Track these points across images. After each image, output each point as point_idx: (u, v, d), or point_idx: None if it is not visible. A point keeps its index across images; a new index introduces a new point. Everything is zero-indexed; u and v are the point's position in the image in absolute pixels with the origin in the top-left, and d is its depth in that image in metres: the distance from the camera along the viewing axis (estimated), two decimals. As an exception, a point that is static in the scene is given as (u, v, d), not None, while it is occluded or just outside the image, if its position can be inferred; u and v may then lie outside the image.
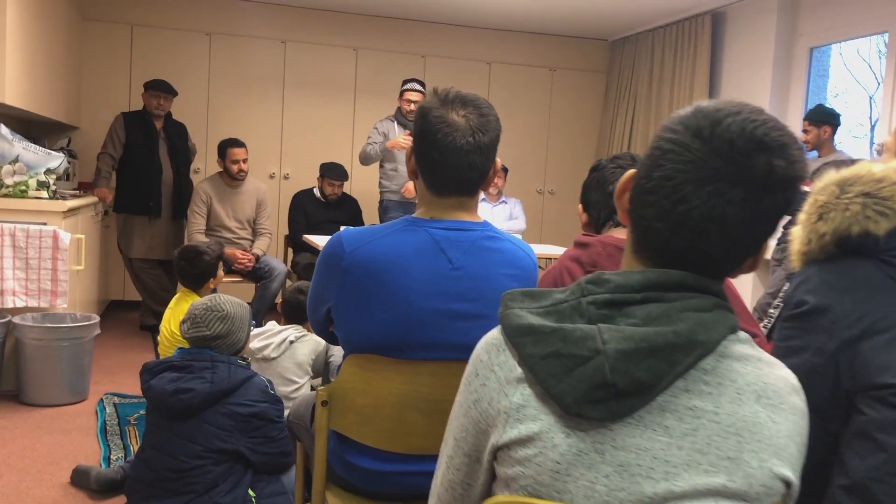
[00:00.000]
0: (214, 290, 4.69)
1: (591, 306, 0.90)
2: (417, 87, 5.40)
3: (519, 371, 0.91)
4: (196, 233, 5.06)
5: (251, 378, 2.47)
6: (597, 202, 1.92)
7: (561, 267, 1.87)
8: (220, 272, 3.56)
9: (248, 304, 5.09)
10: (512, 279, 1.63)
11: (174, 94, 5.29)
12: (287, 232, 5.64)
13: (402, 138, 5.20)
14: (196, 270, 3.48)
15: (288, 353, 3.13)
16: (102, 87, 5.87)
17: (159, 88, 5.21)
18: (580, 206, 1.99)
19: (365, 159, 5.36)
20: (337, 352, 3.19)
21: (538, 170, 6.81)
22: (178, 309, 3.43)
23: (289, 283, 5.33)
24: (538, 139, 6.78)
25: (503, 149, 6.56)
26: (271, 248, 5.74)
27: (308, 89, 6.26)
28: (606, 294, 0.90)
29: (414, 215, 1.64)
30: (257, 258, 5.06)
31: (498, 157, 1.67)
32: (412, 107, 5.37)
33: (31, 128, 5.52)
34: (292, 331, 3.18)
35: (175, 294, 4.22)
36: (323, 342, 3.23)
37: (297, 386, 3.11)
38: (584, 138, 6.90)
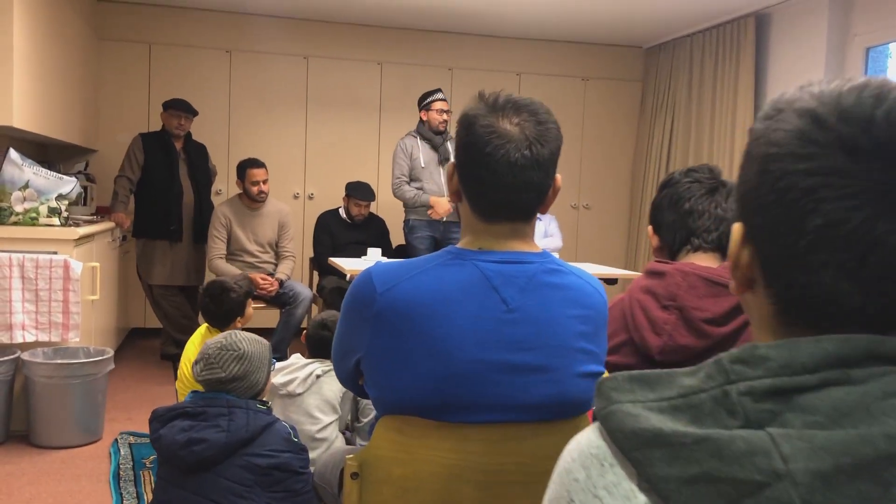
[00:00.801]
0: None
1: (745, 398, 0.59)
2: (443, 96, 5.15)
3: (643, 501, 0.60)
4: (216, 258, 4.83)
5: (272, 425, 2.20)
6: (671, 223, 1.63)
7: (631, 301, 1.58)
8: (250, 309, 3.31)
9: (273, 329, 4.85)
10: (580, 321, 1.34)
11: (194, 113, 5.09)
12: (312, 255, 5.40)
13: (449, 201, 5.02)
14: (223, 309, 3.23)
15: (314, 388, 2.87)
16: (120, 108, 5.70)
17: (179, 108, 5.02)
18: (650, 227, 1.70)
19: (402, 199, 5.13)
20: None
21: (572, 184, 6.52)
22: (197, 349, 3.18)
23: (314, 309, 5.08)
24: (572, 152, 6.49)
25: (535, 163, 6.28)
26: (295, 272, 5.50)
27: (332, 106, 6.04)
28: (767, 379, 0.60)
29: (458, 246, 1.36)
30: (281, 283, 4.82)
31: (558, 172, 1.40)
32: (444, 117, 5.12)
33: (48, 152, 5.35)
34: (319, 364, 2.92)
35: (197, 325, 3.99)
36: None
37: (323, 425, 2.83)
38: (620, 150, 6.60)
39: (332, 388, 2.89)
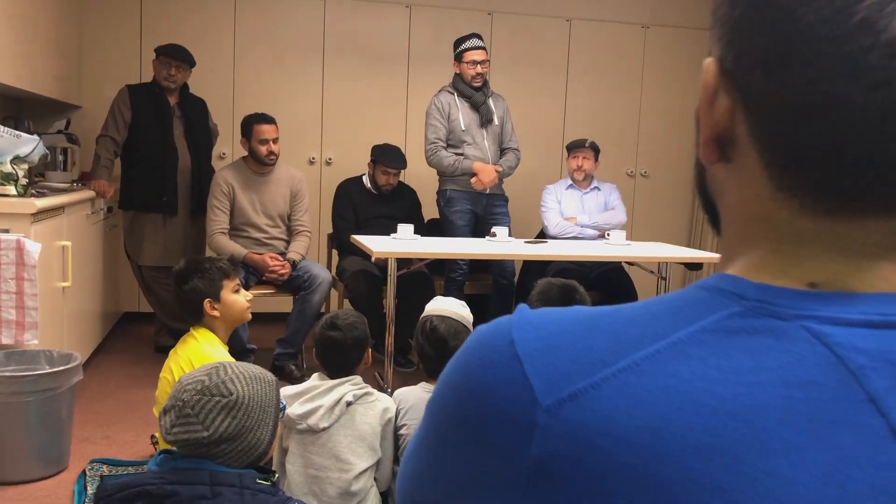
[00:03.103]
0: (242, 333, 3.64)
1: None
2: (479, 42, 4.31)
3: None
4: (217, 232, 4.05)
5: (281, 511, 1.43)
6: None
7: None
8: (231, 296, 2.49)
9: (287, 318, 4.07)
10: None
11: (191, 63, 4.28)
12: (330, 231, 4.61)
13: (496, 169, 4.28)
14: (183, 296, 2.46)
15: (345, 420, 2.10)
16: (108, 59, 4.89)
17: (172, 54, 4.21)
18: None
19: (438, 167, 4.34)
20: (411, 421, 2.14)
21: (628, 148, 5.67)
22: (182, 353, 2.41)
23: (334, 295, 4.29)
24: (628, 112, 5.63)
25: (585, 122, 5.45)
26: (311, 251, 4.72)
27: (353, 56, 5.20)
28: None
29: (737, 274, 0.54)
30: (293, 264, 4.04)
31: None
32: (478, 69, 4.28)
33: (22, 108, 4.56)
34: (350, 387, 2.14)
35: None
36: (393, 404, 2.19)
37: (358, 471, 2.06)
38: (684, 110, 5.73)
39: (369, 418, 2.12)
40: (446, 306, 2.34)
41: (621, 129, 5.63)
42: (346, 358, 2.17)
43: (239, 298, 2.51)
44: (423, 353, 2.25)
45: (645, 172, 5.70)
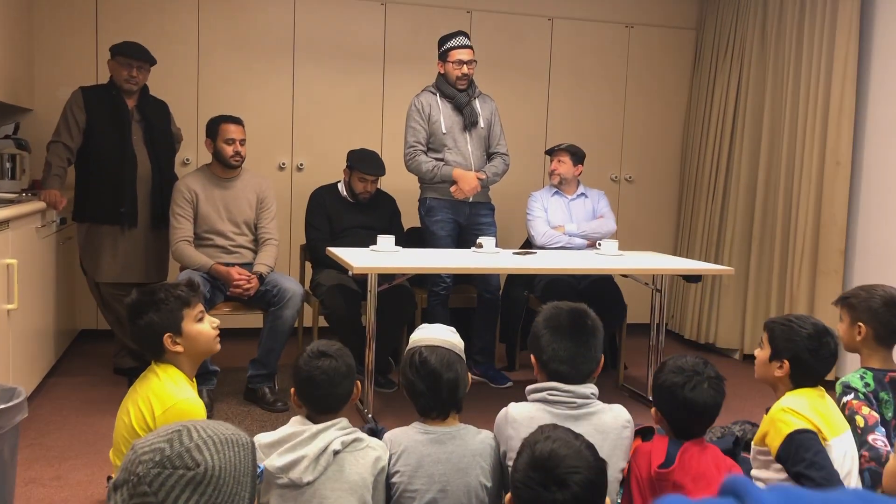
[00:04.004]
0: (211, 367, 3.25)
1: None
2: (466, 41, 4.07)
3: None
4: (181, 241, 3.74)
5: None
6: None
7: None
8: (194, 327, 2.19)
9: (258, 333, 3.78)
10: None
11: (151, 61, 3.97)
12: (304, 242, 4.32)
13: (479, 176, 4.03)
14: (139, 333, 2.15)
15: (332, 472, 1.84)
16: (62, 59, 4.55)
17: (131, 54, 3.90)
18: None
19: (417, 173, 4.10)
20: (404, 467, 1.89)
21: (613, 152, 5.46)
22: (142, 391, 2.12)
23: (307, 311, 4.01)
24: (612, 114, 5.43)
25: (567, 125, 5.23)
26: (283, 265, 4.43)
27: (325, 56, 4.92)
28: None
29: None
30: (261, 278, 3.75)
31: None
32: (464, 70, 4.04)
33: (-35, 111, 4.21)
34: (336, 433, 1.88)
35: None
36: (386, 451, 1.93)
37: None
38: (670, 112, 5.54)
39: (360, 468, 1.85)
40: (434, 334, 2.08)
41: (605, 132, 5.42)
42: (337, 391, 1.91)
43: (204, 328, 2.21)
44: (413, 389, 1.99)
45: (630, 177, 5.49)
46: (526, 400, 1.96)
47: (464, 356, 2.08)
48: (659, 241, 5.49)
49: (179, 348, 2.13)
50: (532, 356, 1.99)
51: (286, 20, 4.85)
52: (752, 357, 5.02)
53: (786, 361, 2.12)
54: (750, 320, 4.89)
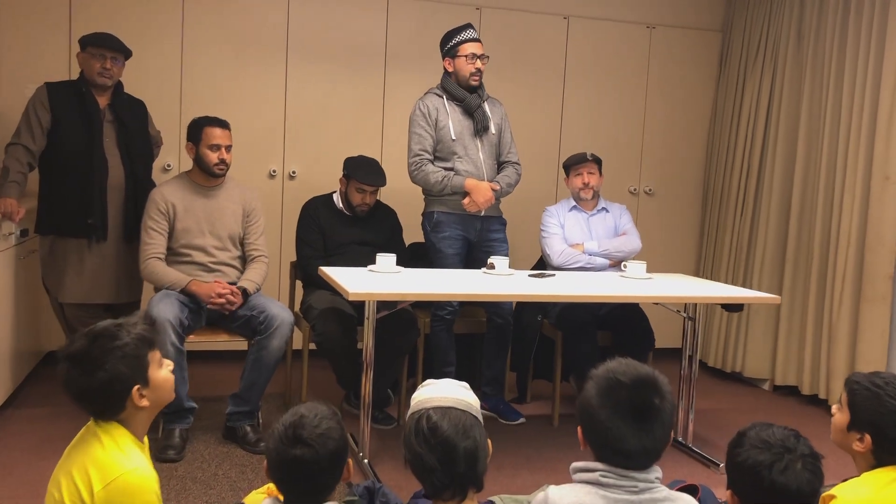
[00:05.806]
0: (181, 387, 2.71)
1: None
2: (475, 34, 3.68)
3: None
4: (152, 257, 3.32)
5: None
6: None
7: None
8: (160, 374, 1.74)
9: (243, 366, 3.35)
10: None
11: (126, 53, 3.56)
12: (294, 258, 3.90)
13: (493, 187, 3.63)
14: (100, 389, 1.66)
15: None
16: (30, 54, 4.13)
17: (104, 44, 3.49)
18: None
19: (424, 185, 3.68)
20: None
21: (631, 163, 5.06)
22: (78, 461, 1.68)
23: (298, 337, 3.57)
24: (631, 122, 5.03)
25: (583, 132, 4.83)
26: (272, 284, 4.00)
27: (321, 55, 4.51)
28: None
29: None
30: (245, 294, 3.32)
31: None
32: (477, 64, 3.64)
33: (-81, 109, 3.79)
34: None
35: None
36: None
37: None
38: (693, 120, 5.14)
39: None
40: (443, 393, 1.65)
41: (623, 141, 5.01)
42: (317, 483, 1.49)
43: (166, 374, 1.78)
44: (421, 464, 1.56)
45: (649, 190, 5.09)
46: (570, 480, 1.53)
47: (481, 418, 1.66)
48: (680, 262, 5.08)
49: (146, 402, 1.69)
50: (580, 428, 1.56)
51: (279, 14, 4.44)
52: (783, 388, 4.63)
53: (867, 435, 1.77)
54: (782, 349, 4.48)
